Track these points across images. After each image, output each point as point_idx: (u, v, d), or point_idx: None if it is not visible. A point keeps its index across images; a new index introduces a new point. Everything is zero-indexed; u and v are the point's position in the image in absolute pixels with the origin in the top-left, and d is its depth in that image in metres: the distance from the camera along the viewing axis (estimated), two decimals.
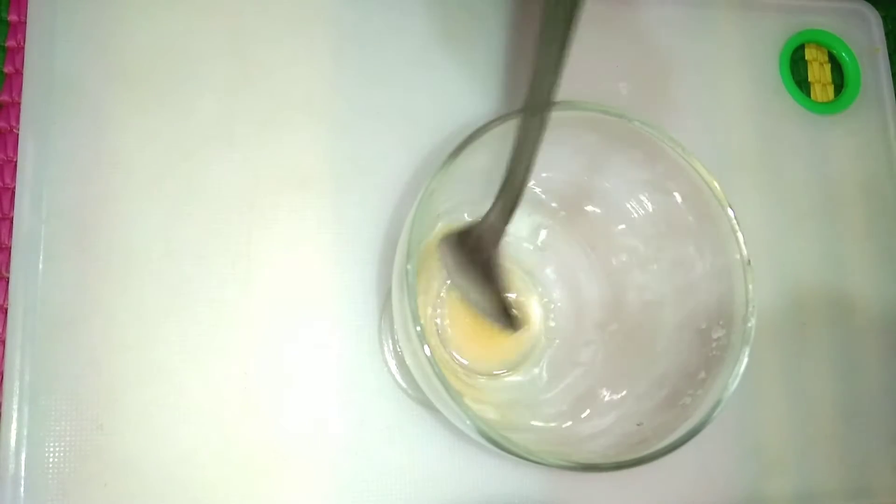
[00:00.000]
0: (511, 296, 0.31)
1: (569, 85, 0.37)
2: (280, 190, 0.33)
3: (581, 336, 0.31)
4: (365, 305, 0.33)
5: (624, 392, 0.28)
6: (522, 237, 0.32)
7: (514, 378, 0.32)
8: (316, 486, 0.31)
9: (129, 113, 0.33)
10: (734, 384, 0.25)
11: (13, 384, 0.30)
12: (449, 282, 0.31)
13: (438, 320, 0.32)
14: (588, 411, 0.28)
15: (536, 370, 0.31)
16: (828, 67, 0.41)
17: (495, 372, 0.32)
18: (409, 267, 0.23)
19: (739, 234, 0.26)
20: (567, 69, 0.37)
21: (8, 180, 0.32)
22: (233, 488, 0.30)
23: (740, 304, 0.25)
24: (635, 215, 0.29)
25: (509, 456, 0.23)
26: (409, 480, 0.32)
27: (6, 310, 0.31)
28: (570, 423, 0.29)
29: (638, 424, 0.26)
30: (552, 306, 0.32)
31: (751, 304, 0.25)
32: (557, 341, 0.32)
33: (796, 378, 0.37)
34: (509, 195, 0.26)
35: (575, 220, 0.31)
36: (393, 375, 0.33)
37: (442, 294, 0.32)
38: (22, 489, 0.29)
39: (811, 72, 0.41)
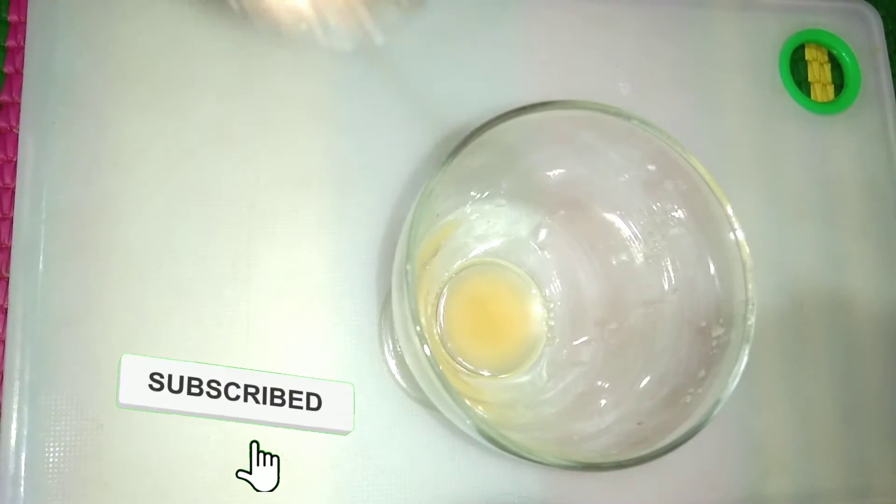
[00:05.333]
0: None
1: (569, 84, 0.37)
2: (280, 190, 0.33)
3: (581, 335, 0.31)
4: (365, 305, 0.33)
5: (624, 391, 0.28)
6: (522, 236, 0.32)
7: (514, 378, 0.32)
8: (316, 487, 0.31)
9: (129, 113, 0.33)
10: (734, 383, 0.25)
11: (13, 384, 0.30)
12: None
13: (438, 320, 0.32)
14: (588, 410, 0.28)
15: (536, 370, 0.31)
16: (828, 67, 0.41)
17: (495, 372, 0.32)
18: (408, 267, 0.24)
19: (739, 234, 0.26)
20: (568, 69, 0.37)
21: (8, 180, 0.32)
22: (233, 488, 0.30)
23: (740, 302, 0.25)
24: (635, 214, 0.29)
25: (509, 455, 0.23)
26: (409, 480, 0.32)
27: (6, 310, 0.31)
28: (570, 422, 0.29)
29: (638, 423, 0.26)
30: (552, 305, 0.32)
31: (750, 303, 0.25)
32: (557, 340, 0.32)
33: (796, 378, 0.37)
34: None
35: (575, 219, 0.31)
36: (393, 375, 0.33)
37: (442, 294, 0.32)
38: (22, 489, 0.29)
39: (811, 72, 0.41)
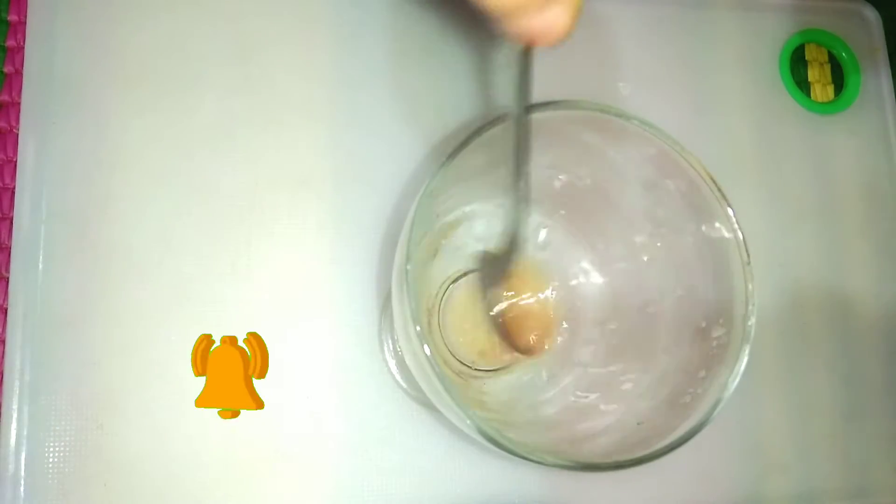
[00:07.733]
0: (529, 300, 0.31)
1: (569, 84, 0.37)
2: (280, 190, 0.33)
3: (581, 335, 0.31)
4: (365, 305, 0.33)
5: (624, 391, 0.28)
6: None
7: (514, 378, 0.32)
8: (316, 486, 0.31)
9: (129, 113, 0.33)
10: (734, 383, 0.25)
11: (13, 384, 0.30)
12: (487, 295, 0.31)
13: (438, 320, 0.31)
14: (588, 410, 0.28)
15: (536, 370, 0.31)
16: (828, 67, 0.41)
17: (495, 372, 0.32)
18: (408, 267, 0.23)
19: (739, 234, 0.26)
20: (567, 69, 0.37)
21: (8, 180, 0.32)
22: (233, 488, 0.30)
23: (740, 302, 0.25)
24: (635, 214, 0.29)
25: (509, 456, 0.23)
26: (409, 480, 0.32)
27: (6, 310, 0.31)
28: (570, 422, 0.28)
29: (638, 423, 0.26)
30: (552, 305, 0.32)
31: (751, 303, 0.25)
32: (557, 340, 0.32)
33: (796, 378, 0.37)
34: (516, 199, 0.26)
35: (575, 219, 0.31)
36: (393, 375, 0.33)
37: (442, 294, 0.32)
38: (22, 489, 0.29)
39: (811, 72, 0.41)
